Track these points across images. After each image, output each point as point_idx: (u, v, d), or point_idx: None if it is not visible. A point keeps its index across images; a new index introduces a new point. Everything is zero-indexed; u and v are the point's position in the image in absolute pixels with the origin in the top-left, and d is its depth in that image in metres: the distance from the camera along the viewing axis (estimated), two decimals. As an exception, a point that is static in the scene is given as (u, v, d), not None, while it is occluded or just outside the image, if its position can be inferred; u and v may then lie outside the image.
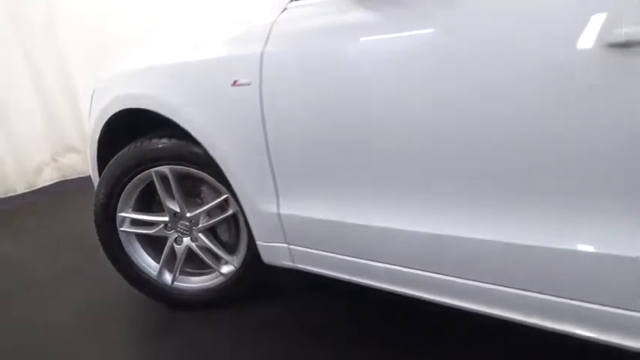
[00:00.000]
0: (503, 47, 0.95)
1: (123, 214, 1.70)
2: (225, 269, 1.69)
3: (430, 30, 1.05)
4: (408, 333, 1.54)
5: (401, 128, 1.11)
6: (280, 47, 1.25)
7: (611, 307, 0.94)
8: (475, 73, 0.98)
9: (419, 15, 1.06)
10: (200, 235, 1.68)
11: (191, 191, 1.67)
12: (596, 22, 0.84)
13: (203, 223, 1.65)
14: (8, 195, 3.48)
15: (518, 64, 0.94)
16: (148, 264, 1.78)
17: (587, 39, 0.84)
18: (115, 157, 1.66)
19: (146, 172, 1.61)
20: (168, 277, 1.76)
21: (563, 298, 1.00)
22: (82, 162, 3.61)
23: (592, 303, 0.96)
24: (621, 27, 0.81)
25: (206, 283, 1.75)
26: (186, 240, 1.70)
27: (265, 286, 1.83)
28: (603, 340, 0.98)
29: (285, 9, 1.29)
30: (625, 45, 0.81)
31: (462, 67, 1.00)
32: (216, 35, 1.47)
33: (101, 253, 1.78)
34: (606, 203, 0.92)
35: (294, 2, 1.29)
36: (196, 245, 1.69)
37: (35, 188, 3.60)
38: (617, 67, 0.83)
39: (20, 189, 3.54)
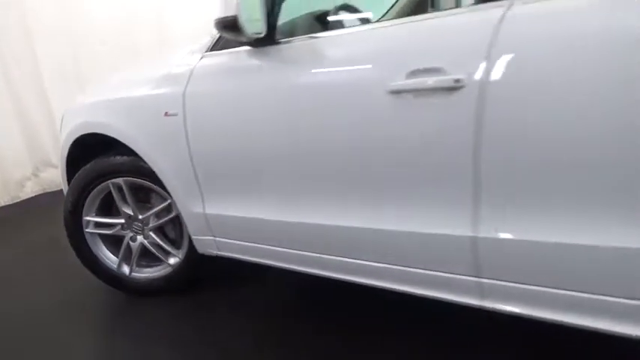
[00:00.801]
0: (332, 93, 1.39)
1: (87, 218, 2.10)
2: (172, 261, 2.09)
3: (286, 77, 1.49)
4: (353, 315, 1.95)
5: (280, 144, 1.53)
6: (198, 87, 1.67)
7: (464, 275, 1.31)
8: (313, 109, 1.42)
9: (283, 66, 1.49)
10: (151, 233, 2.08)
11: (144, 198, 2.07)
12: (382, 78, 1.27)
13: (153, 224, 2.05)
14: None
15: (341, 105, 1.37)
16: (110, 259, 2.17)
17: (376, 89, 1.28)
18: (80, 170, 2.06)
19: (104, 183, 2.01)
20: (126, 269, 2.15)
21: (413, 268, 1.39)
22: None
23: (435, 271, 1.35)
24: (396, 81, 1.24)
25: (157, 273, 2.15)
26: (140, 238, 2.10)
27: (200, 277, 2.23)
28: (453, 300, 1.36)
29: (202, 57, 1.71)
30: (397, 92, 1.24)
31: (306, 103, 1.43)
32: (153, 76, 1.87)
33: (71, 251, 2.17)
34: (407, 190, 1.33)
35: (208, 52, 1.70)
36: (148, 242, 2.09)
37: (18, 200, 3.97)
38: (395, 108, 1.26)
39: (4, 201, 3.91)
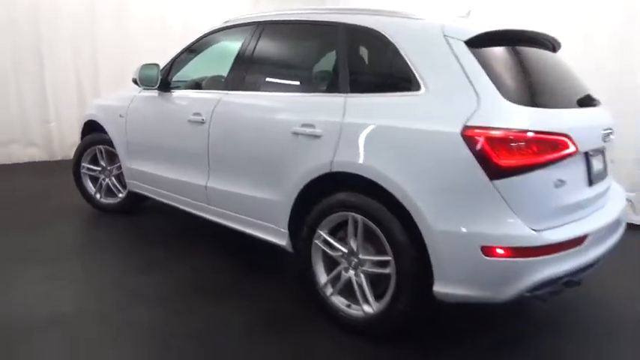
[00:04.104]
0: (179, 119, 3.08)
1: (83, 164, 3.93)
2: (120, 195, 3.86)
3: (168, 107, 3.19)
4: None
5: (163, 138, 3.22)
6: (134, 105, 3.44)
7: (203, 202, 2.96)
8: (176, 124, 3.13)
9: (168, 102, 3.21)
10: (113, 178, 3.86)
11: (113, 158, 3.84)
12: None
13: (116, 172, 3.84)
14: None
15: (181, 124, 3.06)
16: (91, 189, 3.98)
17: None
18: (82, 140, 3.92)
19: (92, 147, 3.84)
20: (98, 196, 3.95)
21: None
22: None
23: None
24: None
25: (114, 201, 3.92)
26: (107, 179, 3.89)
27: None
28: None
29: (140, 91, 3.47)
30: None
31: (174, 121, 3.14)
32: (119, 96, 3.67)
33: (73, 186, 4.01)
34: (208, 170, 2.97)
35: (140, 92, 3.46)
36: (110, 182, 3.88)
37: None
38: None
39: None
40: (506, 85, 1.93)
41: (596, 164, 2.18)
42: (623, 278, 2.99)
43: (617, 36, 4.09)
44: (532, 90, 2.05)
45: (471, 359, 2.13)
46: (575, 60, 2.60)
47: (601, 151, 2.25)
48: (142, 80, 3.16)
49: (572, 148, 1.89)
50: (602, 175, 2.27)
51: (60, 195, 4.43)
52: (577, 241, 1.92)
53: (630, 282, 3.00)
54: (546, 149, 1.82)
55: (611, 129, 2.24)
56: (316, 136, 2.25)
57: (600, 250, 2.09)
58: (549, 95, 2.14)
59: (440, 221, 1.88)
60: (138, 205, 3.94)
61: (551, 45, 2.46)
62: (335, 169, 2.17)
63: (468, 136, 1.81)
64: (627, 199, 4.17)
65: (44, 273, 2.83)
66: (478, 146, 1.79)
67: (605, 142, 2.18)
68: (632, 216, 4.10)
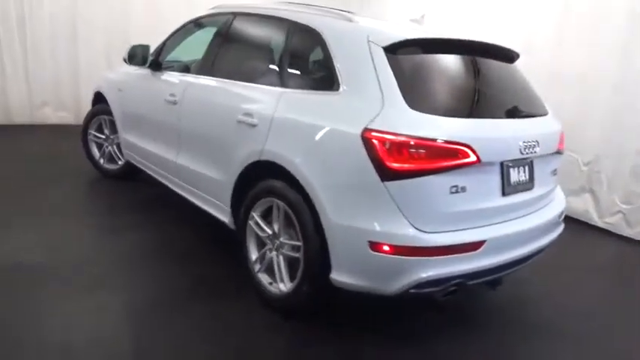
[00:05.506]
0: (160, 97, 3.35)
1: (90, 131, 4.31)
2: (120, 163, 4.21)
3: (158, 85, 3.46)
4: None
5: (151, 113, 3.49)
6: (130, 80, 3.74)
7: (174, 176, 3.23)
8: (163, 102, 3.40)
9: (159, 80, 3.48)
10: (110, 148, 4.22)
11: (114, 129, 4.20)
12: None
13: (116, 141, 4.19)
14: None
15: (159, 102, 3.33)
16: (96, 154, 4.36)
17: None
18: (92, 108, 4.29)
19: (97, 117, 4.20)
20: (102, 161, 4.33)
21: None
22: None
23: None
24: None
25: (115, 167, 4.29)
26: (109, 147, 4.26)
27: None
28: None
29: (136, 69, 3.75)
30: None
31: (160, 98, 3.41)
32: (119, 72, 3.99)
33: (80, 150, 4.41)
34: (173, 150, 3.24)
35: (136, 70, 3.73)
36: (113, 150, 4.24)
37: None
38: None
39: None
40: (414, 92, 2.03)
41: (516, 175, 2.23)
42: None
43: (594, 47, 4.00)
44: (442, 99, 2.12)
45: (375, 348, 2.28)
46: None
47: (527, 163, 2.29)
48: (130, 59, 3.44)
49: (472, 158, 1.97)
50: (528, 186, 2.31)
51: (75, 157, 4.85)
52: (470, 247, 2.02)
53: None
54: (440, 156, 1.92)
55: (536, 141, 2.26)
56: (253, 125, 2.43)
57: (510, 256, 2.17)
58: (464, 105, 2.20)
59: (337, 215, 2.03)
60: (136, 173, 4.29)
61: (501, 54, 2.49)
62: (264, 158, 2.35)
63: (366, 138, 1.94)
64: (621, 212, 4.17)
65: (28, 222, 3.27)
66: (372, 148, 1.92)
67: (525, 154, 2.21)
68: (624, 229, 4.03)
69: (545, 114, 2.54)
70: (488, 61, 2.42)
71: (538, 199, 2.40)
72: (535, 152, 2.27)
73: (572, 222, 4.34)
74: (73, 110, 6.48)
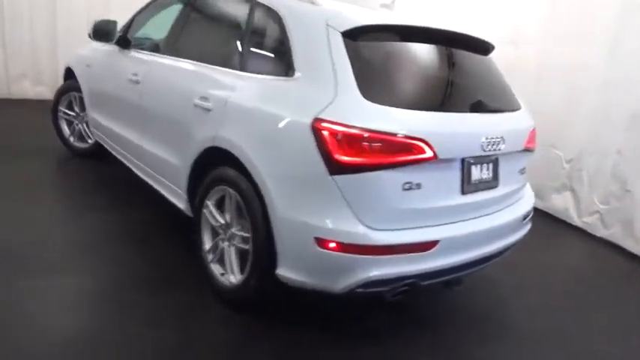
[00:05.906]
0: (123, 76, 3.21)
1: (60, 107, 4.17)
2: (90, 141, 4.09)
3: (124, 63, 3.32)
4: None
5: (116, 91, 3.36)
6: (98, 56, 3.60)
7: (138, 160, 3.12)
8: (127, 80, 3.27)
9: (126, 58, 3.34)
10: (81, 126, 4.09)
11: (84, 107, 4.07)
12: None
13: (84, 121, 4.06)
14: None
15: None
16: (66, 132, 4.24)
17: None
18: (62, 85, 4.15)
19: (67, 94, 4.06)
20: (71, 139, 4.20)
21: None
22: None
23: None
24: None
25: (84, 145, 4.17)
26: (79, 125, 4.13)
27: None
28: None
29: (103, 45, 3.60)
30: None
31: (125, 76, 3.28)
32: (89, 48, 3.84)
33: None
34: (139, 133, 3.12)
35: (104, 46, 3.59)
36: (82, 128, 4.11)
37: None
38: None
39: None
40: (372, 81, 1.91)
41: (479, 173, 2.14)
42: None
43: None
44: (402, 90, 2.01)
45: (332, 348, 2.19)
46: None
47: (491, 161, 2.19)
48: (95, 35, 3.30)
49: (428, 154, 1.86)
50: (491, 184, 2.22)
51: (48, 134, 4.73)
52: (422, 246, 1.93)
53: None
54: (393, 151, 1.82)
55: (501, 138, 2.15)
56: (208, 110, 2.32)
57: (467, 256, 2.09)
58: (425, 97, 2.09)
59: (284, 208, 1.93)
60: (106, 153, 4.17)
61: (474, 45, 2.37)
62: (217, 144, 2.24)
63: (315, 128, 1.83)
64: (598, 212, 4.08)
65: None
66: (321, 140, 1.81)
67: (488, 151, 2.11)
68: (600, 230, 3.95)
69: (516, 109, 2.43)
70: (458, 51, 2.30)
71: (502, 198, 2.31)
72: (500, 149, 2.16)
73: (551, 220, 4.30)
74: (51, 84, 6.29)
